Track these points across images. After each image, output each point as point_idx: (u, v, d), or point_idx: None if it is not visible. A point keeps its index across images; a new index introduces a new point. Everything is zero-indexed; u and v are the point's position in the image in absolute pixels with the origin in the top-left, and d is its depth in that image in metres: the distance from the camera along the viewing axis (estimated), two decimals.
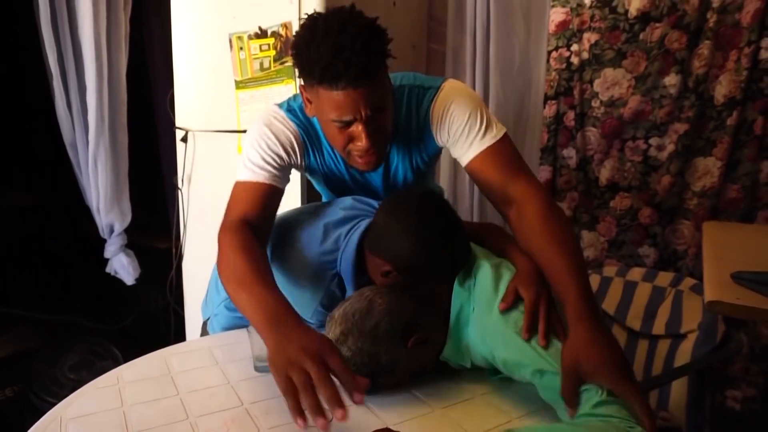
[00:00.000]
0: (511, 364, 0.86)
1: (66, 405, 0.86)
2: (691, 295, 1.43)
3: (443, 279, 0.97)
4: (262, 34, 1.68)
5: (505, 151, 1.05)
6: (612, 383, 0.74)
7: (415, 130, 1.10)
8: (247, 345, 1.07)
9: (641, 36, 1.89)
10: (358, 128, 0.96)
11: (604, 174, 2.03)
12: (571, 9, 1.98)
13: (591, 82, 2.00)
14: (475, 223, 1.26)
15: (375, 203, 1.08)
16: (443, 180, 2.25)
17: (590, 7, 1.94)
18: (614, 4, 1.91)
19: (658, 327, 1.44)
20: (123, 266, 2.26)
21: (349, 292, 1.01)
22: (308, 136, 1.10)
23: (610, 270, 1.64)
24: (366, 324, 0.88)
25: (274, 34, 1.66)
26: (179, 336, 2.18)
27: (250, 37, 1.70)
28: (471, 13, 2.13)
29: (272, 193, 1.05)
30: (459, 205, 2.31)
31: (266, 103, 1.72)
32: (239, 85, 1.75)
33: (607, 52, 1.95)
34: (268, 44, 1.68)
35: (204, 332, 1.26)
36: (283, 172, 1.07)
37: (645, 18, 1.87)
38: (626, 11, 1.89)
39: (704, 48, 1.80)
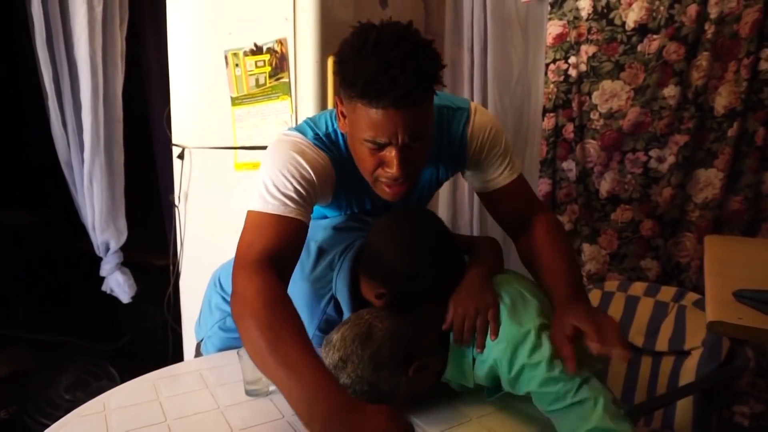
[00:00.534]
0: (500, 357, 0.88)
1: None
2: (695, 311, 1.40)
3: (440, 299, 0.95)
4: (257, 50, 1.68)
5: (526, 183, 1.12)
6: (588, 312, 0.83)
7: (446, 151, 1.05)
8: (237, 367, 1.04)
9: (639, 48, 1.87)
10: (391, 153, 0.88)
11: (605, 186, 2.00)
12: (568, 21, 1.97)
13: (589, 94, 1.98)
14: (469, 237, 1.24)
15: (370, 219, 1.06)
16: (443, 194, 2.23)
17: (587, 19, 1.93)
18: (611, 16, 1.90)
19: (661, 343, 1.41)
20: (119, 284, 2.25)
21: (347, 314, 0.98)
22: (339, 167, 1.00)
23: (611, 285, 1.61)
24: (366, 350, 0.85)
25: (269, 50, 1.65)
26: (177, 353, 2.15)
27: (245, 54, 1.70)
28: (468, 26, 2.13)
29: (302, 230, 0.93)
30: (459, 220, 2.30)
31: (262, 119, 1.72)
32: (235, 101, 1.75)
33: (605, 64, 1.93)
34: (264, 60, 1.67)
35: (198, 353, 1.24)
36: (311, 207, 0.96)
37: (642, 30, 1.86)
38: (623, 23, 1.88)
39: (702, 59, 1.78)
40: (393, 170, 0.89)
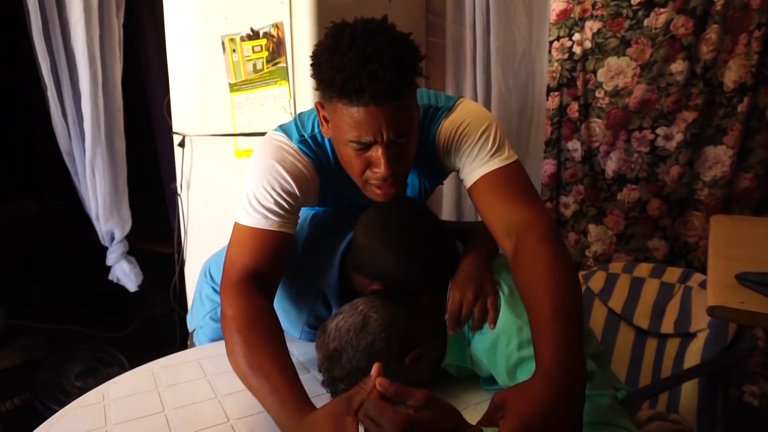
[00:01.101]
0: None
1: (46, 428, 0.85)
2: (701, 292, 1.37)
3: (434, 288, 0.94)
4: (254, 35, 1.65)
5: (514, 178, 0.94)
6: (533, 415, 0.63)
7: (423, 154, 0.99)
8: None
9: (645, 22, 1.82)
10: (377, 152, 0.86)
11: (611, 166, 1.96)
12: None
13: (595, 71, 1.93)
14: (463, 223, 1.23)
15: (358, 213, 1.05)
16: (446, 202, 2.19)
17: None
18: None
19: (667, 325, 1.39)
20: (125, 273, 2.26)
21: (335, 310, 0.97)
22: (324, 171, 0.98)
23: (616, 266, 1.59)
24: (361, 340, 0.84)
25: (266, 35, 1.63)
26: (185, 340, 2.17)
27: (242, 39, 1.67)
28: (470, 4, 2.08)
29: (285, 242, 0.92)
30: (464, 202, 2.27)
31: (261, 105, 1.70)
32: (233, 87, 1.73)
33: (610, 40, 1.88)
34: (261, 45, 1.65)
35: (191, 343, 1.25)
36: (295, 215, 0.96)
37: (649, 4, 1.80)
38: None
39: (712, 32, 1.73)
40: (381, 169, 0.87)
